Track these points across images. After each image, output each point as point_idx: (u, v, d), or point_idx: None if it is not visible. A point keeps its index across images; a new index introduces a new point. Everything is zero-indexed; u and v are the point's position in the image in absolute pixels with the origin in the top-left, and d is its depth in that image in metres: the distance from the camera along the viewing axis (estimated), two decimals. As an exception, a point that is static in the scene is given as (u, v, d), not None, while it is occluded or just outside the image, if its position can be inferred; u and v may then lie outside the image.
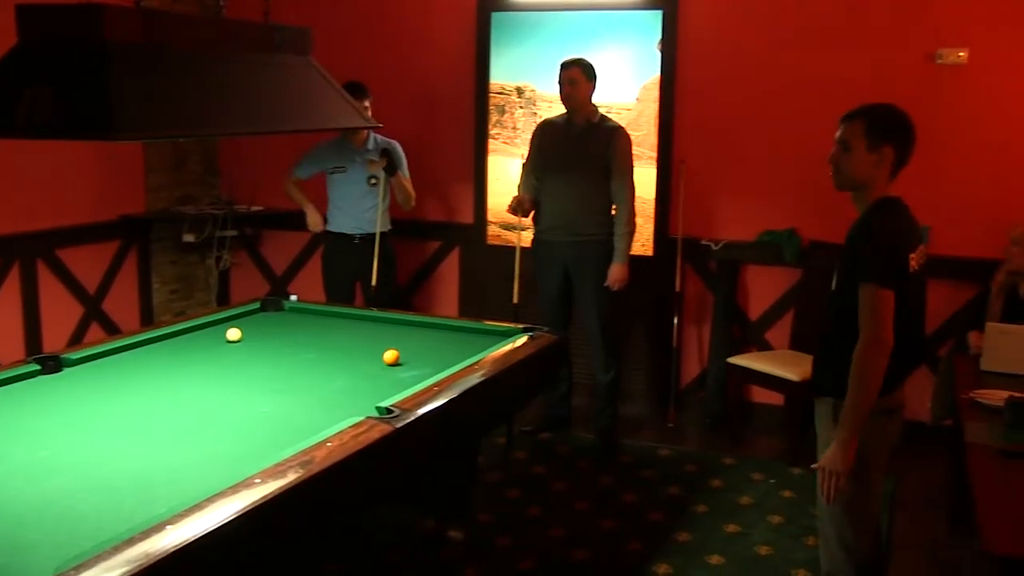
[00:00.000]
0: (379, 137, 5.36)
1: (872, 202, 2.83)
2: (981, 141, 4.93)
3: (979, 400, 3.48)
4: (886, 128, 2.80)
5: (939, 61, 4.92)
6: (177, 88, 2.69)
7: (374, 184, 5.28)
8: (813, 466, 2.84)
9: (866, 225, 2.82)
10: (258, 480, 2.29)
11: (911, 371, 2.97)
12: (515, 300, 5.14)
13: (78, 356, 3.45)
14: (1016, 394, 3.38)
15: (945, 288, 4.93)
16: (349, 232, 5.36)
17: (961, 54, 4.88)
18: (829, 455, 2.77)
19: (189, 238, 6.11)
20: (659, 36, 5.41)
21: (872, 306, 2.71)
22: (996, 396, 3.43)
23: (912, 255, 2.79)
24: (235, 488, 2.24)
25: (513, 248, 5.26)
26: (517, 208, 5.03)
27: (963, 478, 3.06)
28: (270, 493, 2.23)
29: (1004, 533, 2.42)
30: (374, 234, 5.27)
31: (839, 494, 2.81)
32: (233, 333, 3.82)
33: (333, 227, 5.43)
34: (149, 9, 2.69)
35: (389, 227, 5.42)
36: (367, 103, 5.11)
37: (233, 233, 6.24)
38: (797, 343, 5.22)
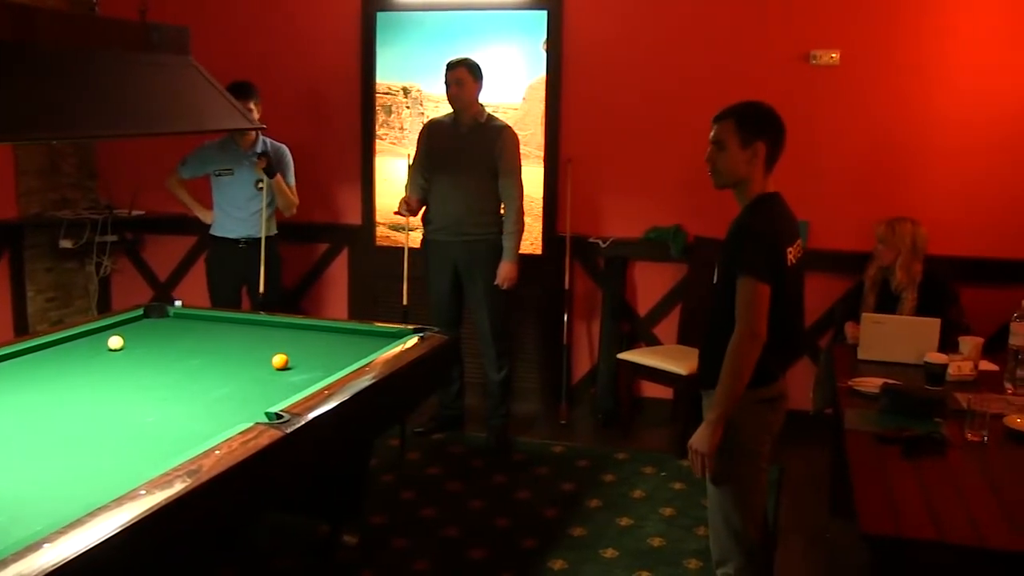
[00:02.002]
0: (268, 140, 5.25)
1: (752, 198, 2.91)
2: (853, 139, 5.13)
3: (857, 388, 3.60)
4: (757, 124, 2.88)
5: (813, 62, 5.10)
6: (45, 88, 2.59)
7: (261, 187, 5.18)
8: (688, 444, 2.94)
9: (744, 221, 2.90)
10: (143, 492, 2.22)
11: (792, 362, 3.06)
12: (404, 301, 5.12)
13: (-54, 369, 3.29)
14: (890, 381, 3.53)
15: (823, 281, 5.10)
16: (234, 236, 5.24)
17: (834, 55, 5.07)
18: (697, 436, 2.88)
19: (66, 244, 5.91)
20: (544, 36, 5.46)
21: (748, 299, 2.78)
22: (872, 384, 3.57)
23: (789, 249, 2.88)
24: (119, 501, 2.17)
25: (402, 249, 5.23)
26: (405, 209, 5.01)
27: (843, 464, 3.17)
28: (156, 504, 2.16)
29: (879, 514, 2.51)
30: (260, 238, 5.16)
31: (725, 482, 2.92)
32: (115, 341, 3.70)
33: (218, 231, 5.30)
34: (16, 4, 2.58)
35: (275, 231, 5.32)
36: (253, 103, 5.00)
37: (113, 238, 6.05)
38: (685, 337, 5.33)
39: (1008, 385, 3.62)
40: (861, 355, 4.05)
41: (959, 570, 2.42)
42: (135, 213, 6.05)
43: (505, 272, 4.93)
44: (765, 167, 2.89)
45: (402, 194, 5.11)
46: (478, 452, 5.04)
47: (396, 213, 5.10)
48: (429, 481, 4.65)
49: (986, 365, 3.92)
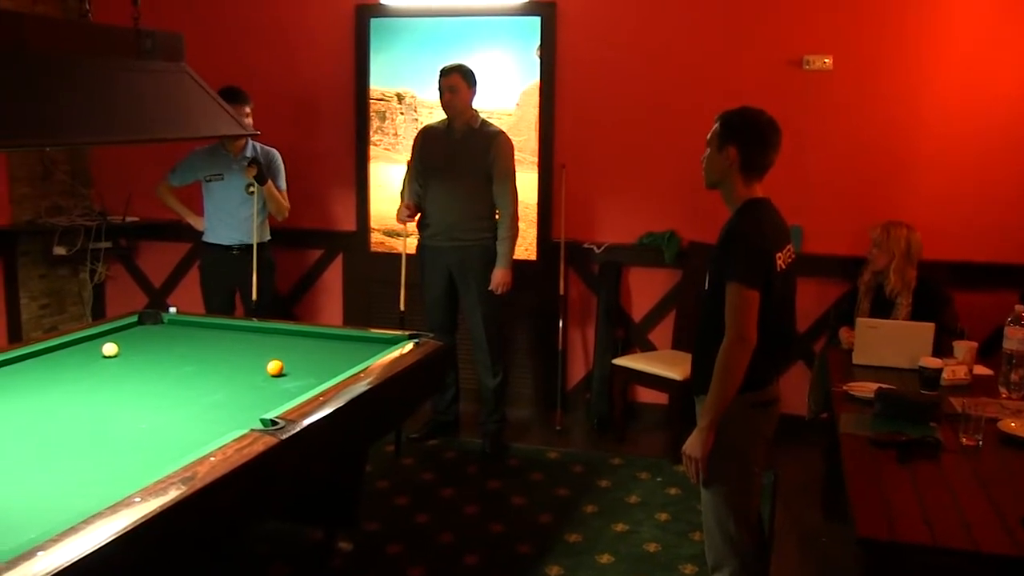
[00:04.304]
0: (258, 145, 5.24)
1: (739, 204, 2.93)
2: (847, 143, 5.14)
3: (851, 392, 3.61)
4: (732, 130, 2.91)
5: (806, 67, 5.11)
6: (38, 95, 2.58)
7: (252, 192, 5.16)
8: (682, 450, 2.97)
9: (732, 227, 2.92)
10: (138, 499, 2.22)
11: (784, 366, 3.08)
12: (401, 307, 5.12)
13: (-61, 377, 3.29)
14: (884, 385, 3.54)
15: (817, 286, 5.12)
16: (227, 243, 5.23)
17: (826, 60, 5.08)
18: (690, 441, 2.91)
19: (60, 251, 5.89)
20: (538, 42, 5.46)
21: (737, 305, 2.79)
22: (866, 388, 3.57)
23: (779, 254, 2.89)
24: (113, 508, 2.16)
25: (398, 255, 5.23)
26: (406, 215, 5.00)
27: (838, 468, 3.17)
28: (151, 512, 2.16)
29: (874, 518, 2.51)
30: (252, 244, 5.15)
31: (719, 487, 2.93)
32: (109, 348, 3.70)
33: (210, 237, 5.28)
34: (5, 11, 2.58)
35: (268, 237, 5.31)
36: (247, 109, 5.00)
37: (107, 245, 6.05)
38: (679, 343, 5.33)
39: (1002, 389, 3.63)
40: (856, 360, 4.06)
41: (953, 575, 2.43)
42: (129, 219, 6.04)
43: (499, 278, 4.93)
44: (743, 172, 2.91)
45: (397, 200, 5.12)
46: (472, 458, 5.03)
47: (399, 221, 5.09)
48: (423, 487, 4.65)
49: (980, 369, 3.93)
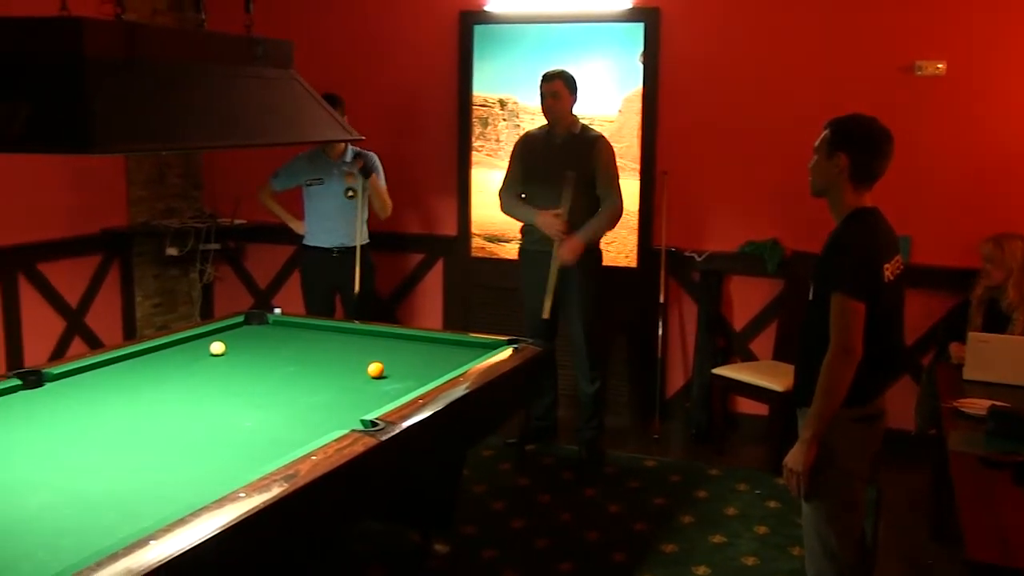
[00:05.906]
0: (357, 149, 5.34)
1: (846, 213, 2.86)
2: (960, 151, 4.98)
3: (962, 409, 3.49)
4: (843, 137, 2.84)
5: (918, 73, 4.96)
6: (156, 101, 2.68)
7: (351, 196, 5.26)
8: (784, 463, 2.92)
9: (838, 236, 2.86)
10: (242, 494, 2.28)
11: (891, 380, 2.99)
12: (545, 315, 4.90)
13: (60, 371, 3.42)
14: (998, 403, 3.41)
15: (927, 298, 4.96)
16: (327, 246, 5.34)
17: (940, 66, 4.93)
18: (791, 454, 2.87)
19: (172, 251, 6.09)
20: (641, 48, 5.43)
21: (841, 316, 2.74)
22: (978, 405, 3.45)
23: (887, 265, 2.82)
24: (220, 502, 2.23)
25: (498, 260, 5.22)
26: (559, 229, 4.85)
27: (946, 486, 3.07)
28: (255, 507, 2.22)
29: (985, 540, 2.43)
30: (353, 247, 5.25)
31: (820, 502, 2.87)
32: (217, 347, 3.81)
33: (311, 240, 5.41)
34: (128, 22, 2.68)
35: (367, 240, 5.40)
36: (340, 113, 5.09)
37: (216, 246, 6.22)
38: (781, 353, 5.24)
39: (1125, 409, 3.46)
40: (967, 375, 3.92)
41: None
42: (237, 222, 6.22)
43: (569, 244, 4.80)
44: (852, 180, 2.84)
45: (498, 202, 5.12)
46: (569, 464, 5.03)
47: (555, 233, 4.82)
48: (519, 492, 4.66)
49: (1104, 389, 3.75)
